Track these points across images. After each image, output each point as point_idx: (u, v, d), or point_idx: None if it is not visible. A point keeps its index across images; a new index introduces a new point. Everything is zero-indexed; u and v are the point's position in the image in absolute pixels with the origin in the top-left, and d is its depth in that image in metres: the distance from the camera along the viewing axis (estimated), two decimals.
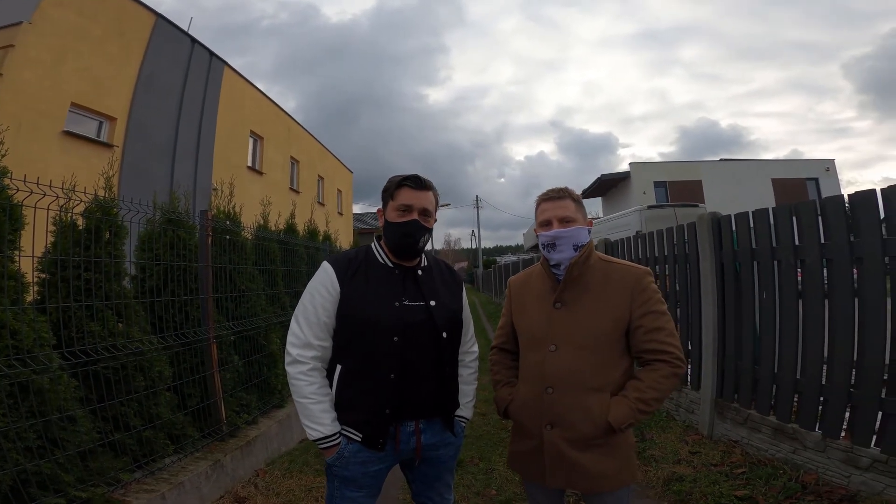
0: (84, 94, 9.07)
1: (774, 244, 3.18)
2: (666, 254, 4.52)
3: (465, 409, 1.90)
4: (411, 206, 1.72)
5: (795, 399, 3.08)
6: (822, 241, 2.81)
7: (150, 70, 10.69)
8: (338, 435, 1.66)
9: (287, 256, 5.04)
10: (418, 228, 1.73)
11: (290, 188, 18.45)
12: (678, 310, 4.34)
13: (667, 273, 4.58)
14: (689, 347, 4.14)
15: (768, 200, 19.84)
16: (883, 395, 2.53)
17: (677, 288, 4.37)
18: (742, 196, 17.73)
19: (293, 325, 1.71)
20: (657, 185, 23.49)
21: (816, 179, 23.15)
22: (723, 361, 3.71)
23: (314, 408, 1.65)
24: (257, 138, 16.13)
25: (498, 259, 43.87)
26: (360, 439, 1.67)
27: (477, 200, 42.64)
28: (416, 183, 1.74)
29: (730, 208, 3.41)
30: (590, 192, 27.72)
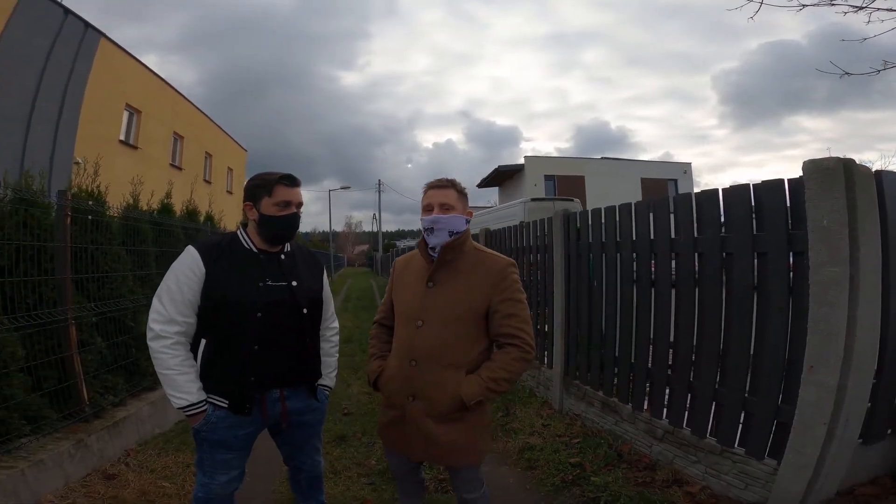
0: None
1: (603, 239, 3.66)
2: (531, 244, 4.98)
3: (328, 379, 2.15)
4: (290, 201, 1.94)
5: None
6: (634, 238, 3.32)
7: (10, 41, 9.87)
8: (204, 402, 1.83)
9: (161, 237, 4.87)
10: (297, 220, 1.97)
11: (172, 164, 17.24)
12: (539, 295, 4.84)
13: (531, 262, 5.06)
14: (547, 329, 4.60)
15: (637, 196, 22.16)
16: (669, 372, 3.01)
17: (539, 277, 4.85)
18: (617, 191, 19.66)
19: (155, 303, 1.85)
20: (547, 178, 25.12)
21: (676, 180, 26.22)
22: (569, 342, 4.19)
23: (179, 378, 1.80)
24: (134, 112, 15.07)
25: (397, 243, 43.94)
26: (226, 405, 1.85)
27: (379, 184, 42.37)
28: (292, 181, 1.95)
29: (605, 202, 3.80)
30: (487, 182, 28.90)
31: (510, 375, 1.81)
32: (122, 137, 14.43)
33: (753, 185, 2.50)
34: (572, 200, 10.83)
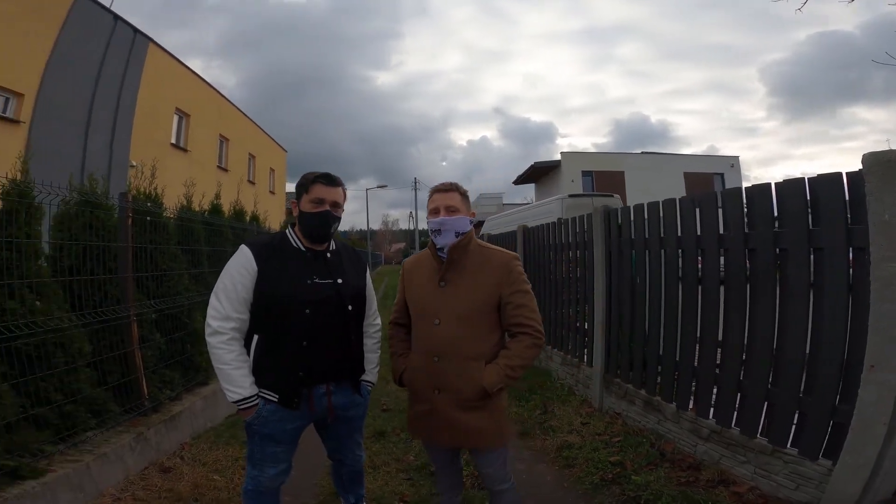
0: None
1: (647, 236, 3.59)
2: (570, 241, 4.94)
3: (370, 375, 2.21)
4: (323, 199, 1.99)
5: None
6: (679, 234, 3.25)
7: (66, 47, 10.32)
8: (256, 397, 1.91)
9: (212, 237, 5.07)
10: (330, 217, 2.01)
11: (218, 166, 17.91)
12: (578, 292, 4.80)
13: (571, 259, 5.01)
14: (586, 327, 4.55)
15: (680, 191, 21.50)
16: (717, 371, 2.95)
17: (577, 274, 4.81)
18: (658, 187, 19.08)
19: (213, 300, 1.94)
20: (584, 174, 24.68)
21: (722, 174, 25.30)
22: (609, 339, 4.13)
23: (234, 373, 1.88)
24: (183, 115, 15.67)
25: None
26: (276, 400, 1.93)
27: (415, 183, 42.78)
28: (328, 180, 2.01)
29: (647, 198, 3.77)
30: (523, 179, 28.67)
31: (525, 362, 1.95)
32: (172, 140, 15.03)
33: (809, 178, 2.42)
34: (612, 196, 10.57)
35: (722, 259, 2.97)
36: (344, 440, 2.22)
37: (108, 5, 11.93)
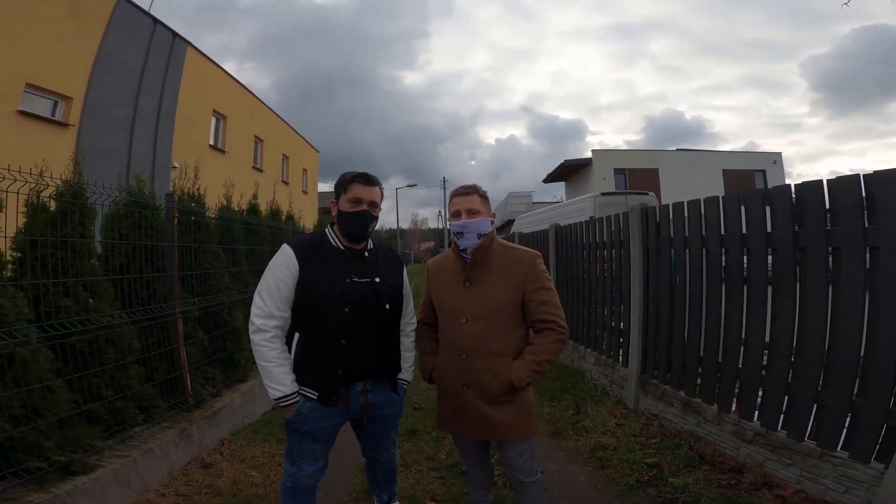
0: (39, 74, 9.09)
1: (687, 234, 3.49)
2: (605, 240, 4.85)
3: (406, 373, 2.23)
4: (361, 198, 2.01)
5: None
6: (722, 232, 3.15)
7: (109, 51, 10.65)
8: (296, 394, 1.94)
9: (250, 236, 5.19)
10: (368, 217, 2.03)
11: (254, 167, 18.30)
12: (613, 292, 4.71)
13: (604, 258, 4.91)
14: (622, 327, 4.47)
15: (718, 189, 20.83)
16: (763, 373, 2.86)
17: (612, 273, 4.71)
18: (695, 184, 18.53)
19: (257, 298, 1.98)
20: (617, 171, 24.17)
21: (764, 171, 24.40)
22: (646, 340, 4.04)
23: (276, 370, 1.92)
24: (220, 117, 16.03)
25: None
26: (316, 397, 1.96)
27: (444, 182, 42.86)
28: (366, 179, 2.03)
29: (683, 196, 3.67)
30: (553, 177, 28.31)
31: (550, 357, 1.99)
32: (211, 142, 15.39)
33: (864, 175, 2.32)
34: (647, 194, 10.33)
35: (769, 258, 2.87)
36: (380, 438, 2.24)
37: (146, 9, 12.30)
